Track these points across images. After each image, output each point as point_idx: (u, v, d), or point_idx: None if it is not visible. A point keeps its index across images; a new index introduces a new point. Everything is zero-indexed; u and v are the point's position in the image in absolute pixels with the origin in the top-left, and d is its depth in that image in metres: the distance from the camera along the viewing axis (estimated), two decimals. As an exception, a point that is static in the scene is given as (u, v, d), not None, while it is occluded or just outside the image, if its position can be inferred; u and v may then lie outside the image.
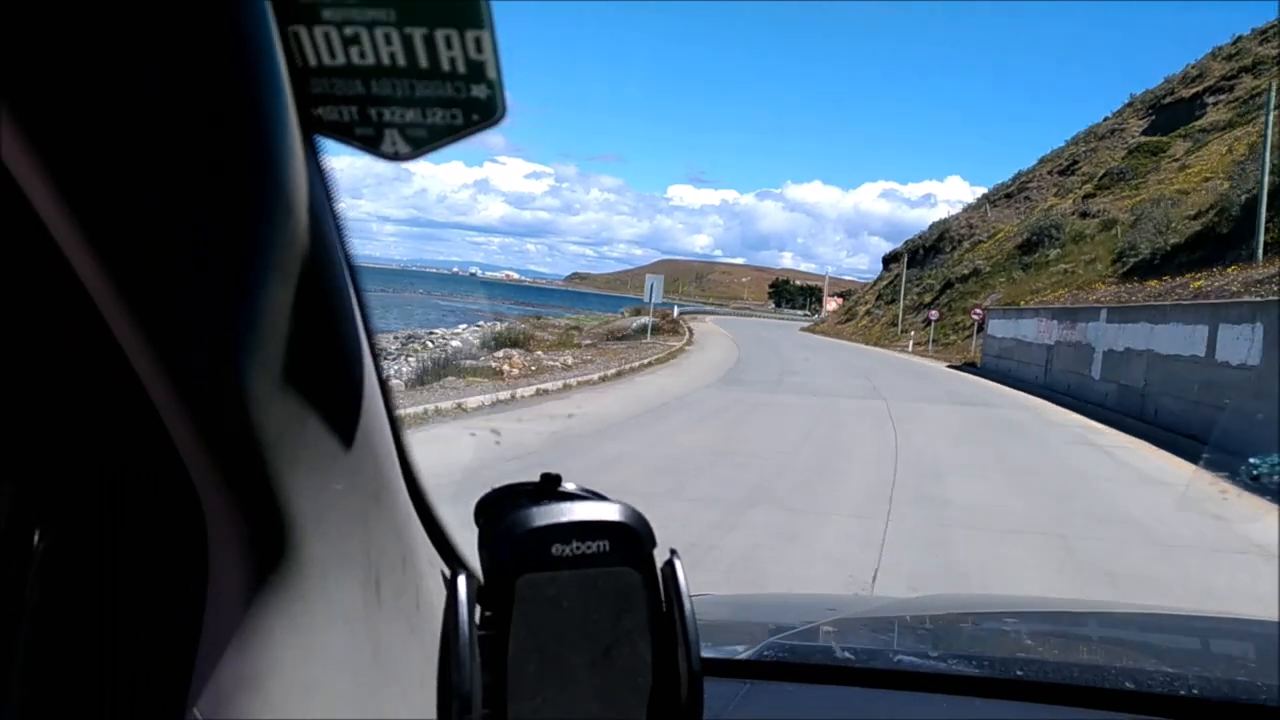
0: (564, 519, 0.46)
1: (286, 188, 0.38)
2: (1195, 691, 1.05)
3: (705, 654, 1.40)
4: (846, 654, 1.20)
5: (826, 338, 54.42)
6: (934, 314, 41.34)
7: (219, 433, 0.40)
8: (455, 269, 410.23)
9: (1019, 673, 1.13)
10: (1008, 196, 53.36)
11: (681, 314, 56.53)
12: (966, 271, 44.11)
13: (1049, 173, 51.83)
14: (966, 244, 50.03)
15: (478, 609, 0.45)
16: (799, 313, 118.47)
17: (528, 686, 0.45)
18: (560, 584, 0.45)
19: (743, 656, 1.14)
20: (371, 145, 0.43)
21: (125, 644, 0.47)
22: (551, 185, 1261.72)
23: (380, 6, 0.39)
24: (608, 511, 0.47)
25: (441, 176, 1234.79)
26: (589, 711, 0.46)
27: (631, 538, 0.47)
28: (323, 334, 0.45)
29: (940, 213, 59.42)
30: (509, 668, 0.45)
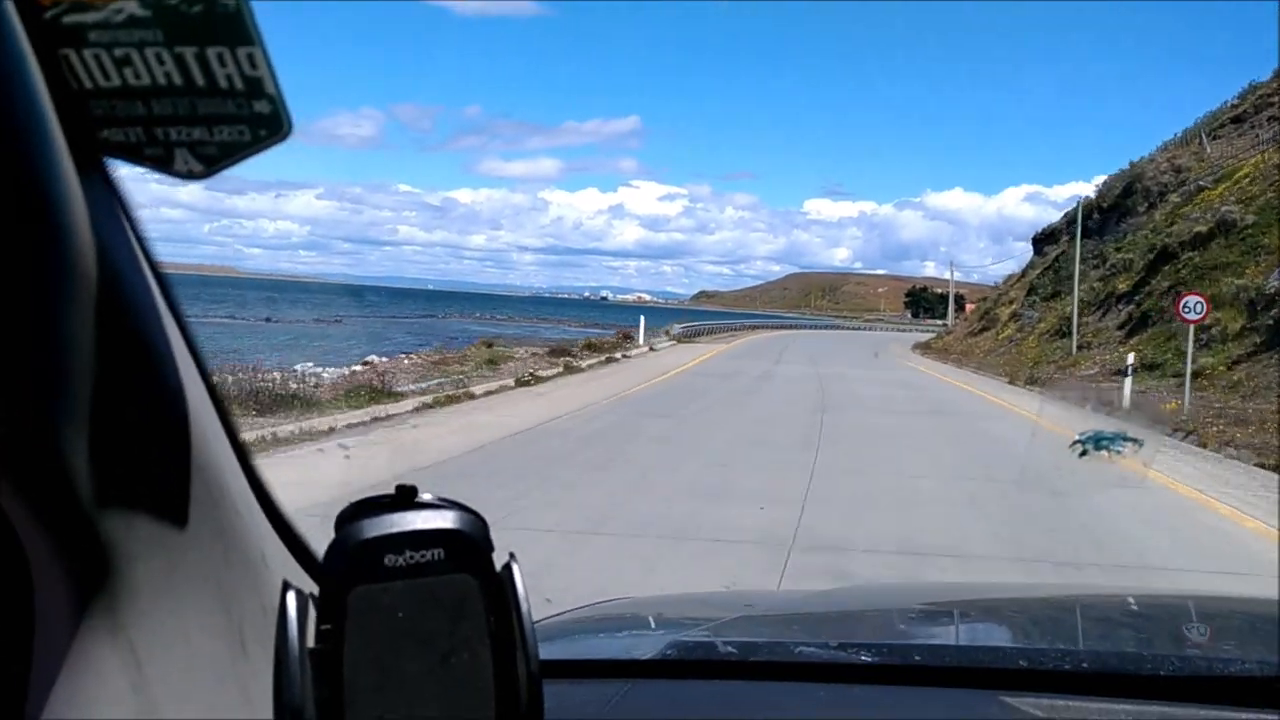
0: (396, 529, 0.45)
1: (58, 214, 0.37)
2: (1085, 666, 1.07)
3: (604, 655, 1.24)
4: (732, 649, 1.15)
5: (942, 362, 35.47)
6: (1193, 302, 16.51)
7: (22, 466, 0.39)
8: (587, 294, 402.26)
9: (917, 658, 1.13)
10: (1235, 121, 33.28)
11: (703, 328, 39.63)
12: (1202, 229, 24.62)
13: (1306, 77, 31.68)
14: (1175, 196, 30.40)
15: (318, 624, 0.45)
16: (938, 323, 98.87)
17: (364, 698, 0.44)
18: (393, 594, 0.45)
19: (642, 656, 1.13)
20: (164, 164, 0.42)
21: None
22: (686, 206, 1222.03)
23: (147, 27, 0.39)
24: (442, 520, 0.46)
25: (576, 204, 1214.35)
26: (429, 718, 0.45)
27: (467, 544, 0.46)
28: (128, 357, 0.44)
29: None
30: (345, 680, 0.44)
